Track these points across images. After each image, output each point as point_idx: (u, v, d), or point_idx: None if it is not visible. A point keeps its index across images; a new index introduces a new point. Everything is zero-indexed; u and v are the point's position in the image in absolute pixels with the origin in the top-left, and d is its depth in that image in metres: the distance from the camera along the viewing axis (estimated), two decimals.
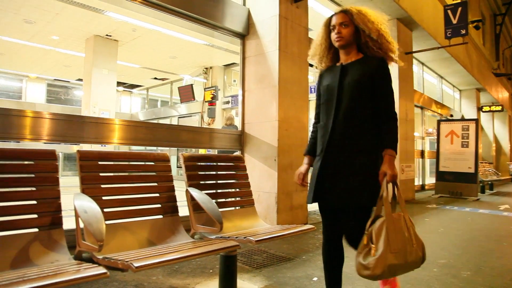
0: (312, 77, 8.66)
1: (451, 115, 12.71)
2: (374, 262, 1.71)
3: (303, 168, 2.10)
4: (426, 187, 10.33)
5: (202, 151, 7.23)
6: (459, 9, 7.68)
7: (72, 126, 3.21)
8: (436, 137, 9.16)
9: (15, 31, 8.38)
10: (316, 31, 2.15)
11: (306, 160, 2.11)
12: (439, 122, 9.11)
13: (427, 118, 11.25)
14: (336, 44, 2.00)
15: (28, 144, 4.08)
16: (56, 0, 6.44)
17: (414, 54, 8.32)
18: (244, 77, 4.71)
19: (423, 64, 10.81)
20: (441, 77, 12.46)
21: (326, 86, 2.02)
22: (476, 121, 8.67)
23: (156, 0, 3.77)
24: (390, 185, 1.86)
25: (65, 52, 9.96)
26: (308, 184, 2.04)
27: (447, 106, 12.68)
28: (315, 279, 2.71)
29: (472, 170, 8.26)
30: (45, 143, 3.11)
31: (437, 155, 8.88)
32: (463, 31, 7.55)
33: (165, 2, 3.85)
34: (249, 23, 4.67)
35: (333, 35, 1.99)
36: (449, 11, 7.78)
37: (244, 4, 4.75)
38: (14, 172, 1.88)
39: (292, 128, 4.46)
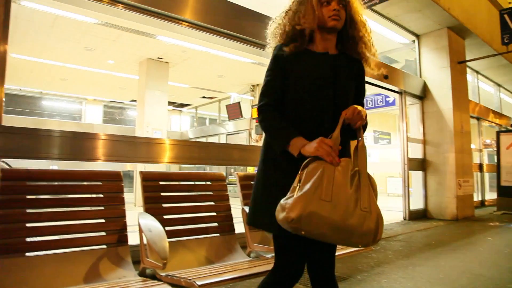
0: None
1: None
2: (292, 202, 1.32)
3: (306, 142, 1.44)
4: (486, 203, 9.70)
5: (250, 169, 7.31)
6: None
7: (127, 147, 3.38)
8: (495, 149, 8.64)
9: (77, 58, 9.05)
10: None
11: (301, 140, 1.45)
12: (498, 133, 8.59)
13: (484, 129, 10.64)
14: (331, 24, 1.57)
15: (82, 164, 4.29)
16: (113, 28, 6.88)
17: (468, 63, 7.97)
18: None
19: (477, 72, 10.30)
20: (499, 85, 11.78)
21: (314, 76, 1.54)
22: None
23: (206, 24, 3.93)
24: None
25: (120, 75, 10.57)
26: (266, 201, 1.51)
27: (506, 115, 11.93)
28: None
29: None
30: (102, 161, 3.29)
31: (497, 168, 8.34)
32: None
33: (215, 25, 4.00)
34: None
35: (327, 11, 1.57)
36: (505, 16, 7.39)
37: None
38: (84, 192, 2.03)
39: None
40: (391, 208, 9.03)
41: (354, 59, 1.66)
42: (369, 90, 8.94)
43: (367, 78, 5.96)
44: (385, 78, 6.13)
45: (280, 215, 1.34)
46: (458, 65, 7.41)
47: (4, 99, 2.75)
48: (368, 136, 15.91)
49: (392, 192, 13.94)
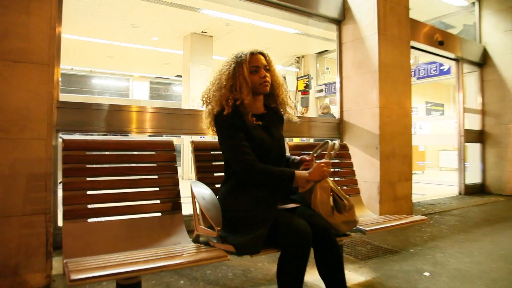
0: (413, 60, 8.06)
1: None
2: (351, 210, 1.81)
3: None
4: None
5: (296, 140, 7.24)
6: None
7: (174, 119, 3.41)
8: None
9: (123, 36, 9.27)
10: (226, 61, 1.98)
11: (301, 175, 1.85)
12: None
13: None
14: (262, 90, 1.94)
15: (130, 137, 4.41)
16: (158, 3, 6.94)
17: None
18: (342, 64, 4.56)
19: None
20: None
21: (258, 137, 1.89)
22: None
23: None
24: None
25: (165, 51, 10.73)
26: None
27: None
28: (426, 274, 2.55)
29: None
30: (149, 135, 3.34)
31: None
32: None
33: None
34: (345, 8, 4.51)
35: (258, 78, 1.92)
36: None
37: None
38: (139, 161, 2.07)
39: (394, 115, 4.22)
40: (444, 183, 8.68)
41: (277, 112, 2.10)
42: (422, 59, 8.45)
43: (421, 45, 5.57)
44: (440, 44, 5.74)
45: (348, 225, 1.82)
46: None
47: (60, 78, 2.85)
48: (419, 108, 15.21)
49: (445, 166, 13.32)
